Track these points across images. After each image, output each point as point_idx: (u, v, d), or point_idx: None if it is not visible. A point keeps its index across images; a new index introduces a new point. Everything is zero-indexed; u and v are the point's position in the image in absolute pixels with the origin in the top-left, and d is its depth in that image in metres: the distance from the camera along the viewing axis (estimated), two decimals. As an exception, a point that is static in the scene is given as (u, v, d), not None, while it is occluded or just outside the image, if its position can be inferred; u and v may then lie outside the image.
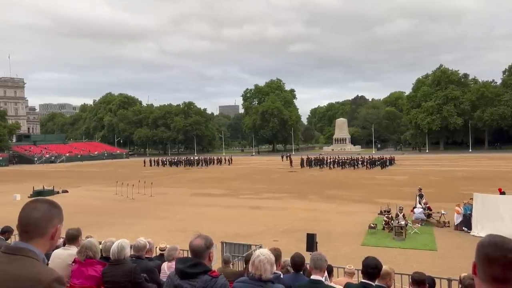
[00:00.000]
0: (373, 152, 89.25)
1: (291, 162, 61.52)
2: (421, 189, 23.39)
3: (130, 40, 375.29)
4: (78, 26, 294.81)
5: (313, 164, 58.53)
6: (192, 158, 74.49)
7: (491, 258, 1.47)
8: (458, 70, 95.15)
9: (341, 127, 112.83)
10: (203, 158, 72.15)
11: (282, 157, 68.15)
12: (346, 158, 59.19)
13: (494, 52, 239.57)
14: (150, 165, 69.47)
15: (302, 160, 59.66)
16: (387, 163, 55.71)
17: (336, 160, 58.52)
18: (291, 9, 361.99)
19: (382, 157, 59.62)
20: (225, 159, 72.58)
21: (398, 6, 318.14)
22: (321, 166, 57.26)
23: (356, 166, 55.24)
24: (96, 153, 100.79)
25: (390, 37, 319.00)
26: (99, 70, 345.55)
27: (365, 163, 55.61)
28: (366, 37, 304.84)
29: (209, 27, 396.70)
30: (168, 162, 71.55)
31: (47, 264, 3.82)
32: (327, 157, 61.32)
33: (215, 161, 70.90)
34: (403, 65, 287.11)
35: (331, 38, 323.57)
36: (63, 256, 4.35)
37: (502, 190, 21.78)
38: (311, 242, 11.16)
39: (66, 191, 34.60)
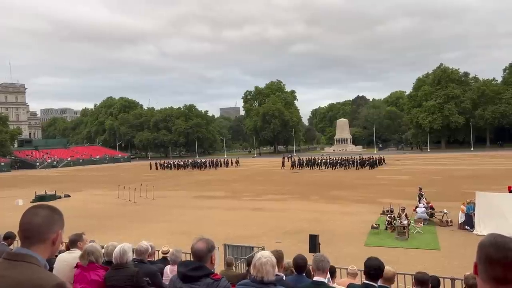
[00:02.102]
0: (375, 152, 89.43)
1: (283, 163, 62.69)
2: (421, 189, 23.34)
3: (129, 43, 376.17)
4: (77, 30, 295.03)
5: (304, 165, 59.66)
6: (199, 160, 73.71)
7: (492, 258, 1.45)
8: (458, 69, 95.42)
9: (342, 128, 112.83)
10: (209, 160, 71.66)
11: (284, 158, 68.25)
12: (337, 158, 60.61)
13: (497, 50, 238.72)
14: (156, 168, 69.18)
15: (293, 161, 61.34)
16: (377, 163, 56.73)
17: (327, 160, 59.89)
18: (291, 9, 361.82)
19: (371, 157, 60.76)
20: (231, 161, 72.61)
21: (400, 4, 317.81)
22: (312, 167, 58.40)
23: (346, 167, 56.25)
24: (97, 157, 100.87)
25: (392, 36, 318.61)
26: (99, 74, 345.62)
27: (355, 164, 56.70)
28: (368, 36, 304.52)
29: (209, 29, 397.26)
30: (174, 165, 70.60)
31: (51, 269, 3.84)
32: (318, 158, 62.77)
33: (222, 163, 70.59)
34: (406, 64, 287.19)
35: (332, 38, 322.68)
36: (68, 260, 4.35)
37: (511, 189, 21.49)
38: (313, 243, 11.17)
39: (68, 196, 34.67)
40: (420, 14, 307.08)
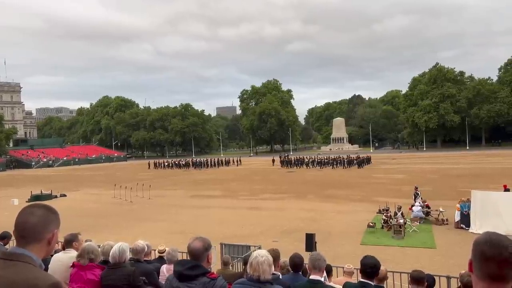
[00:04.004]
0: (371, 151, 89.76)
1: (273, 161, 64.66)
2: (417, 188, 23.38)
3: (125, 42, 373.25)
4: (72, 28, 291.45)
5: (293, 164, 60.61)
6: (201, 160, 72.74)
7: (487, 255, 1.47)
8: (454, 68, 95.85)
9: (339, 127, 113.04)
10: (210, 159, 71.09)
11: (280, 157, 68.58)
12: (325, 158, 61.45)
13: (494, 48, 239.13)
14: (155, 167, 68.77)
15: (283, 160, 63.23)
16: (364, 163, 57.34)
17: (315, 160, 60.66)
18: (288, 7, 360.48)
19: (359, 156, 61.39)
20: (232, 160, 72.51)
21: (396, 3, 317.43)
22: (300, 166, 59.28)
23: (334, 166, 56.74)
24: (93, 156, 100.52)
25: (388, 35, 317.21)
26: (95, 73, 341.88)
27: (343, 163, 57.17)
28: (365, 35, 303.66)
29: (205, 27, 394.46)
30: (175, 164, 69.79)
31: (47, 269, 3.83)
32: (306, 157, 63.71)
33: (223, 162, 70.31)
34: (402, 63, 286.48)
35: (329, 37, 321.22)
36: (63, 259, 4.33)
37: (507, 187, 21.32)
38: (310, 242, 11.16)
39: (64, 195, 34.54)
40: (416, 13, 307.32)
